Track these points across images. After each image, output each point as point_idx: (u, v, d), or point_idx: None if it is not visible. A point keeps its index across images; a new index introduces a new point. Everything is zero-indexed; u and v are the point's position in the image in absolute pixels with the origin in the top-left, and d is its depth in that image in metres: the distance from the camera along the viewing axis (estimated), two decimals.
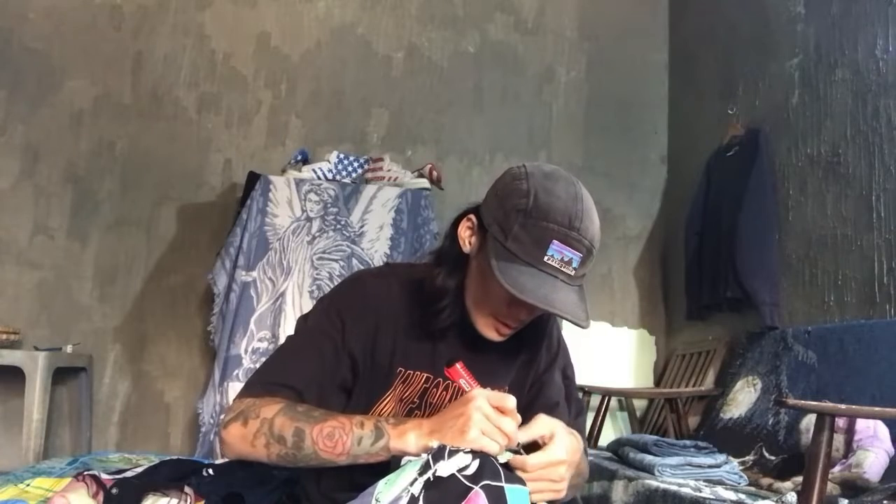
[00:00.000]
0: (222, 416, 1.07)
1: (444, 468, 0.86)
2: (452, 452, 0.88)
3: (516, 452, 0.95)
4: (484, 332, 1.07)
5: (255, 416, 0.98)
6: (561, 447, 0.95)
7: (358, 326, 1.07)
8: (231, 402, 1.07)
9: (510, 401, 0.93)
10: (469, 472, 0.86)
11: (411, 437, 0.92)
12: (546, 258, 0.97)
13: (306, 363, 1.06)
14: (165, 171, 3.30)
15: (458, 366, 1.02)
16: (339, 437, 0.94)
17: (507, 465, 0.92)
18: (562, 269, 0.98)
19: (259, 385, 1.05)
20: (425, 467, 0.87)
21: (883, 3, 2.36)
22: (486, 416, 0.90)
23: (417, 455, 0.91)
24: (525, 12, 3.69)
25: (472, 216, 1.08)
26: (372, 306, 1.09)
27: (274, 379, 1.05)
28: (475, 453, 0.88)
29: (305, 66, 3.47)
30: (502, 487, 0.85)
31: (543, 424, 0.96)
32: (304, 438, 0.95)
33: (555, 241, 0.97)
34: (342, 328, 1.07)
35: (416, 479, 0.86)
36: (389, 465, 0.96)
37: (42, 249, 3.18)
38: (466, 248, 1.08)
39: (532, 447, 0.96)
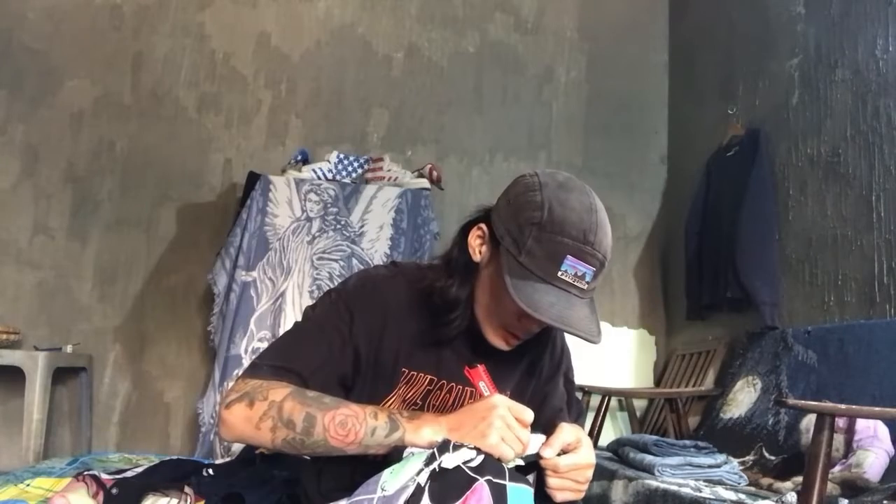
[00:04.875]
0: (224, 396, 1.06)
1: (450, 460, 0.87)
2: (457, 447, 0.88)
3: (528, 462, 0.96)
4: (493, 342, 1.07)
5: (263, 399, 0.97)
6: (589, 452, 0.98)
7: (366, 322, 1.06)
8: (233, 382, 1.06)
9: (529, 415, 0.95)
10: (474, 464, 0.87)
11: (427, 433, 0.93)
12: (560, 273, 0.96)
13: (313, 351, 1.05)
14: (165, 171, 3.30)
15: (481, 368, 1.03)
16: (351, 426, 0.93)
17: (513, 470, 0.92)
18: (575, 283, 0.97)
19: (265, 367, 1.04)
20: (431, 458, 0.88)
21: (883, 3, 2.36)
22: (508, 425, 0.92)
23: (428, 448, 0.92)
24: (525, 12, 3.69)
25: (482, 225, 1.06)
26: (381, 306, 1.08)
27: (280, 363, 1.03)
28: (479, 448, 0.89)
29: (305, 66, 3.47)
30: (504, 485, 0.86)
31: (569, 432, 0.98)
32: (315, 425, 0.94)
33: (569, 256, 0.96)
34: (350, 322, 1.06)
35: (422, 470, 0.86)
36: (389, 458, 0.96)
37: (42, 249, 3.18)
38: (477, 257, 1.06)
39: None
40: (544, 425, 1.00)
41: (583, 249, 0.97)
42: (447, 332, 1.06)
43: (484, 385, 1.02)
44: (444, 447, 0.88)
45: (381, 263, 1.56)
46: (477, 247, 1.07)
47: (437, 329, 1.07)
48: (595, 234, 0.98)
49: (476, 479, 0.85)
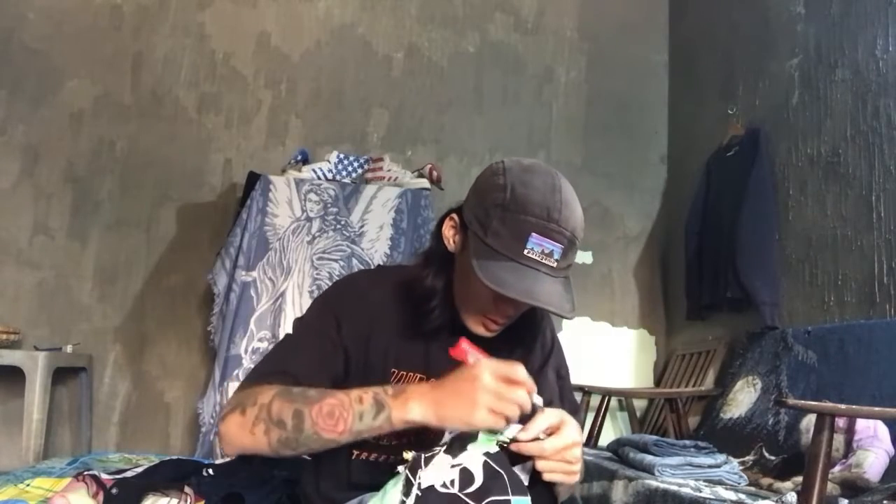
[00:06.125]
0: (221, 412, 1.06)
1: (427, 477, 0.85)
2: (428, 459, 0.87)
3: (507, 444, 0.94)
4: (473, 329, 1.07)
5: (253, 404, 0.98)
6: (573, 431, 0.96)
7: (352, 325, 1.07)
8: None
9: (518, 371, 0.91)
10: (472, 488, 0.85)
11: (414, 407, 0.91)
12: (526, 251, 0.97)
13: (305, 354, 1.06)
14: (165, 171, 3.30)
15: (463, 343, 1.00)
16: (339, 415, 0.93)
17: (515, 472, 0.90)
18: (543, 261, 0.97)
19: (255, 376, 1.05)
20: (408, 485, 0.86)
21: (883, 3, 2.36)
22: (496, 393, 0.89)
23: (420, 423, 0.90)
24: (525, 12, 3.69)
25: (454, 215, 1.08)
26: (365, 307, 1.09)
27: (270, 368, 1.05)
28: (454, 454, 0.87)
29: (305, 66, 3.47)
30: (509, 500, 0.85)
31: (550, 414, 0.96)
32: (304, 420, 0.94)
33: (534, 234, 0.97)
34: (337, 325, 1.07)
35: (404, 502, 0.85)
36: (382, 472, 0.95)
37: (42, 249, 3.18)
38: (451, 246, 1.08)
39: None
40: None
41: (547, 227, 0.97)
42: (429, 324, 1.07)
43: (473, 358, 1.00)
44: (415, 465, 0.87)
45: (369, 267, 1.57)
46: (451, 237, 1.08)
47: (419, 321, 1.08)
48: (560, 211, 0.98)
49: None
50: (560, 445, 0.94)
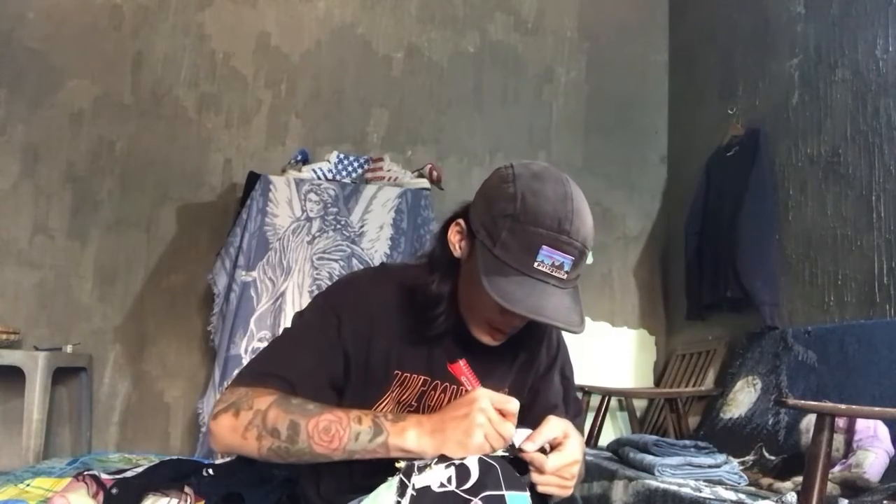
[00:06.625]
0: (213, 407, 1.05)
1: (422, 480, 0.86)
2: (422, 468, 0.87)
3: (512, 452, 0.94)
4: (479, 337, 1.06)
5: (248, 408, 0.97)
6: (575, 447, 0.96)
7: (353, 325, 1.06)
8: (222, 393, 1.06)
9: (513, 404, 0.93)
10: (469, 484, 0.85)
11: (411, 435, 0.91)
12: (536, 264, 0.94)
13: (301, 356, 1.05)
14: (165, 171, 3.30)
15: (462, 363, 1.01)
16: (335, 432, 0.93)
17: (509, 466, 0.91)
18: (553, 273, 0.95)
19: (251, 375, 1.03)
20: (402, 486, 0.86)
21: (883, 3, 2.36)
22: (490, 420, 0.90)
23: (417, 453, 0.91)
24: (525, 12, 3.70)
25: (460, 221, 1.06)
26: (367, 308, 1.07)
27: (267, 369, 1.03)
28: (446, 462, 0.87)
29: (305, 66, 3.47)
30: (503, 496, 0.85)
31: (556, 426, 0.96)
32: (300, 432, 0.93)
33: (544, 247, 0.94)
34: (338, 325, 1.06)
35: (399, 503, 0.85)
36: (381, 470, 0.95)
37: (42, 249, 3.18)
38: (457, 252, 1.06)
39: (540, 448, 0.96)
40: (537, 421, 0.98)
41: (558, 239, 0.95)
42: (433, 329, 1.06)
43: (466, 380, 1.01)
44: (408, 471, 0.87)
45: (370, 266, 1.56)
46: (456, 242, 1.06)
47: (423, 326, 1.06)
48: (571, 222, 0.95)
49: (470, 500, 0.84)
50: (560, 464, 0.94)
